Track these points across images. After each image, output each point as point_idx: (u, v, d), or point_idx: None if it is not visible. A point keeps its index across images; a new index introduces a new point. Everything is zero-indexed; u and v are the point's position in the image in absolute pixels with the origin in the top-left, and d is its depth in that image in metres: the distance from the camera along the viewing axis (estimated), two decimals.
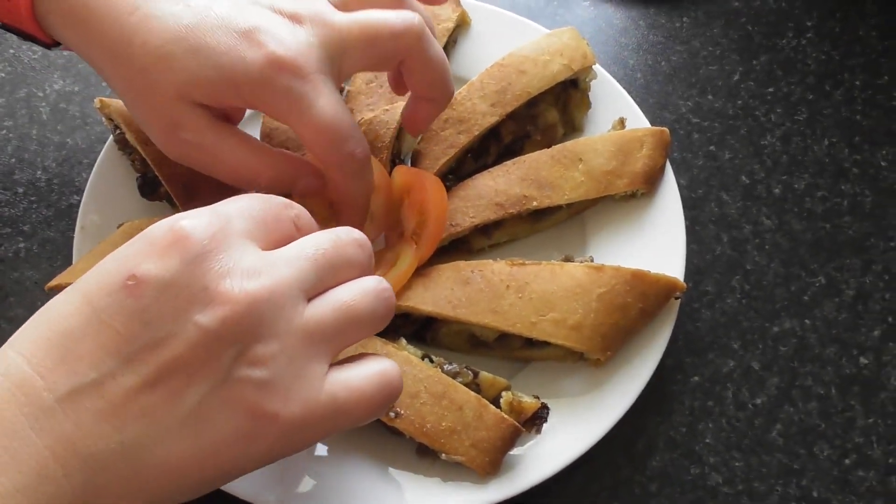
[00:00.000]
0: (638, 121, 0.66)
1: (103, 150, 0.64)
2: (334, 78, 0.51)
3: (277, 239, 0.41)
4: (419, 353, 0.56)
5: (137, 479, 0.37)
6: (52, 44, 0.55)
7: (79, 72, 0.73)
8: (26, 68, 0.74)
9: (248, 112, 0.67)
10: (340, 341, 0.41)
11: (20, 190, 0.68)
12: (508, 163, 0.63)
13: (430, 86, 0.55)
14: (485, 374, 0.56)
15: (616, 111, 0.66)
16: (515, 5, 0.77)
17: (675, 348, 0.62)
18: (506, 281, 0.57)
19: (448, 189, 0.62)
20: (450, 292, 0.57)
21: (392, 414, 0.53)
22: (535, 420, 0.55)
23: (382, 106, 0.64)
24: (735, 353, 0.62)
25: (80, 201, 0.63)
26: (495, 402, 0.55)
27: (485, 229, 0.62)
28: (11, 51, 0.74)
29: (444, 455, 0.53)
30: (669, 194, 0.63)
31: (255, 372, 0.38)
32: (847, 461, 0.59)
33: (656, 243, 0.62)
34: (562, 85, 0.65)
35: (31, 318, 0.39)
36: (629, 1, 0.78)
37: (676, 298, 0.59)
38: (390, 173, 0.62)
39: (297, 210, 0.44)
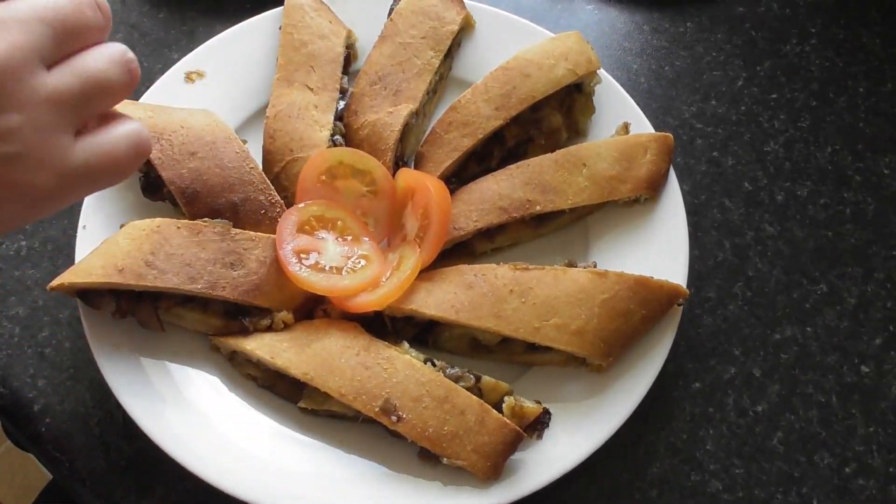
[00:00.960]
0: (642, 126, 0.66)
1: None
2: None
3: (73, 47, 0.40)
4: (421, 356, 0.56)
5: None
6: None
7: None
8: None
9: (249, 113, 0.67)
10: (87, 109, 0.41)
11: None
12: (512, 167, 0.63)
13: None
14: (487, 379, 0.56)
15: (620, 116, 0.66)
16: (520, 8, 0.77)
17: (676, 354, 0.62)
18: (509, 285, 0.57)
19: (451, 192, 0.62)
20: (453, 296, 0.57)
21: (394, 418, 0.53)
22: (536, 425, 0.55)
23: (386, 108, 0.64)
24: (736, 359, 0.62)
25: (82, 200, 0.62)
26: (497, 406, 0.55)
27: (488, 233, 0.62)
28: None
29: (445, 459, 0.53)
30: (673, 200, 0.63)
31: (2, 147, 0.37)
32: (847, 469, 0.59)
33: (659, 249, 0.61)
34: (566, 89, 0.65)
35: None
36: (633, 5, 0.78)
37: (679, 305, 0.59)
38: (394, 176, 0.62)
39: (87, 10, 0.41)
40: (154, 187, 0.62)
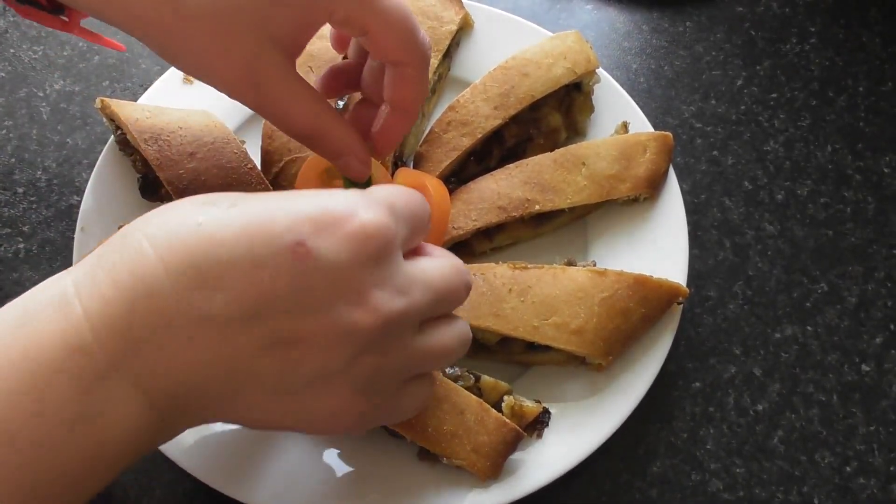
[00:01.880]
0: (641, 125, 0.66)
1: (104, 151, 0.64)
2: None
3: (410, 245, 0.44)
4: None
5: (217, 411, 0.40)
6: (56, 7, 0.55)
7: (79, 72, 0.73)
8: (27, 68, 0.73)
9: (248, 113, 0.67)
10: (422, 370, 0.45)
11: (20, 190, 0.68)
12: (511, 166, 0.63)
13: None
14: (486, 378, 0.55)
15: (619, 115, 0.66)
16: (518, 8, 0.77)
17: (676, 353, 0.62)
18: (508, 284, 0.57)
19: (450, 192, 0.62)
20: None
21: None
22: (536, 424, 0.55)
23: None
24: (737, 358, 0.62)
25: (80, 202, 0.62)
26: (497, 406, 0.55)
27: (487, 232, 0.62)
28: (11, 50, 0.74)
29: (445, 459, 0.53)
30: (672, 199, 0.63)
31: (360, 378, 0.40)
32: (848, 469, 0.59)
33: (659, 248, 0.61)
34: (565, 88, 0.65)
35: (182, 214, 0.40)
36: (632, 5, 0.78)
37: (679, 304, 0.58)
38: (393, 175, 0.62)
39: (429, 212, 0.45)
40: (152, 188, 0.62)
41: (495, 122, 0.63)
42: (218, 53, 0.47)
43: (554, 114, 0.65)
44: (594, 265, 0.60)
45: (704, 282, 0.65)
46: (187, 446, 0.54)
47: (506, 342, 0.58)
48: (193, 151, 0.60)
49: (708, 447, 0.59)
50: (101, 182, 0.63)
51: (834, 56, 0.75)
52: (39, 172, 0.68)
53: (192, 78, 0.68)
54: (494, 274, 0.57)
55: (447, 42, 0.67)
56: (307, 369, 0.39)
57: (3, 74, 0.73)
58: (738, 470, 0.58)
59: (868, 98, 0.73)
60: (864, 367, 0.62)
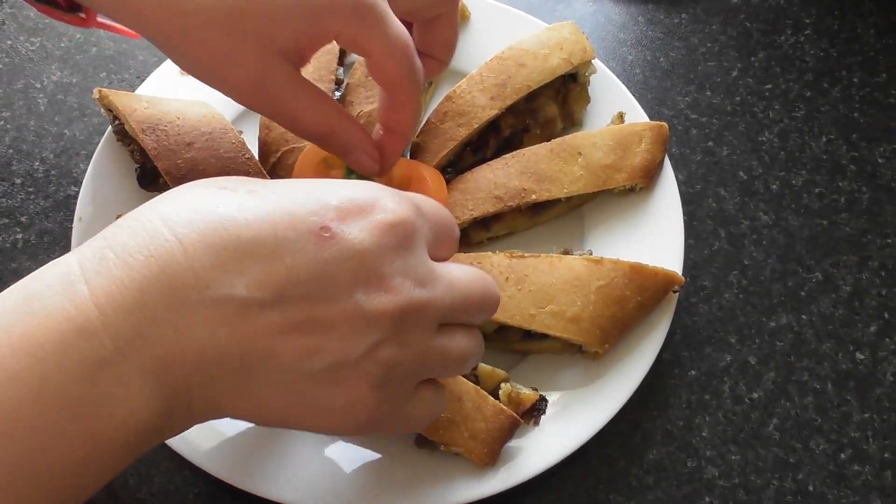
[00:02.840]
0: (637, 115, 0.66)
1: (102, 141, 0.64)
2: None
3: (435, 255, 0.43)
4: None
5: (228, 402, 0.39)
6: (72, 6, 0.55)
7: (77, 63, 0.73)
8: (24, 59, 0.73)
9: (244, 108, 0.67)
10: (435, 374, 0.44)
11: (18, 181, 0.68)
12: (507, 156, 0.63)
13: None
14: (483, 366, 0.56)
15: (615, 106, 0.67)
16: (515, 0, 0.77)
17: (672, 342, 0.62)
18: (505, 273, 0.57)
19: (447, 182, 0.63)
20: None
21: None
22: (533, 412, 0.55)
23: None
24: (732, 347, 0.62)
25: (78, 192, 0.63)
26: (494, 393, 0.55)
27: (484, 222, 0.62)
28: (9, 42, 0.74)
29: (442, 446, 0.53)
30: (668, 189, 0.63)
31: (376, 371, 0.39)
32: (843, 455, 0.59)
33: (654, 237, 0.62)
34: (561, 79, 0.65)
35: (200, 197, 0.39)
36: None
37: (674, 292, 0.59)
38: None
39: (457, 230, 0.46)
40: (150, 178, 0.62)
41: (492, 113, 0.63)
42: (227, 62, 0.48)
43: (550, 104, 0.66)
44: (590, 254, 0.60)
45: (700, 271, 0.65)
46: (187, 434, 0.54)
47: (503, 330, 0.58)
48: (191, 141, 0.60)
49: (703, 435, 0.59)
50: (99, 172, 0.63)
51: (828, 47, 0.76)
52: (37, 163, 0.69)
53: None
54: (491, 263, 0.58)
55: None
56: (324, 357, 0.38)
57: (1, 66, 0.73)
58: (733, 457, 0.59)
59: (862, 89, 0.74)
60: (859, 356, 0.62)
